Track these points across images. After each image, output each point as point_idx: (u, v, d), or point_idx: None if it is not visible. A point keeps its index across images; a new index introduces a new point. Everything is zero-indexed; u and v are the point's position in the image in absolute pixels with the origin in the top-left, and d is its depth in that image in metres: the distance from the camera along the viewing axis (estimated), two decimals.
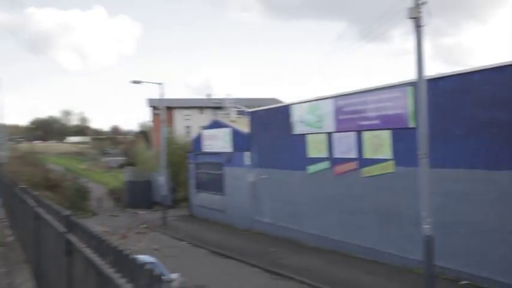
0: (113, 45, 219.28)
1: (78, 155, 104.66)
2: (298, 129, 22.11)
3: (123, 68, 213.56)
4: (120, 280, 2.85)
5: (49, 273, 6.46)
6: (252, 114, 26.56)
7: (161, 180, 32.00)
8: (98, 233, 3.61)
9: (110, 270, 3.10)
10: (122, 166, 73.28)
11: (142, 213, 38.28)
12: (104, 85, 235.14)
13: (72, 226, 4.61)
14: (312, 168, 21.23)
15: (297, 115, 22.18)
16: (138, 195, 43.34)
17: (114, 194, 51.74)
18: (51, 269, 6.19)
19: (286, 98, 78.91)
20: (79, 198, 41.83)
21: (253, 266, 18.36)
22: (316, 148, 21.02)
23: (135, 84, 31.14)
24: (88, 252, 3.75)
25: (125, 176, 49.46)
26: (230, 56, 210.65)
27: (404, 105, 16.54)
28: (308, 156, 21.45)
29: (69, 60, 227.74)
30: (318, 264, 17.71)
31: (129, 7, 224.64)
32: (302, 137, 21.81)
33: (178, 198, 39.32)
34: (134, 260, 2.64)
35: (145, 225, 30.26)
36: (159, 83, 31.41)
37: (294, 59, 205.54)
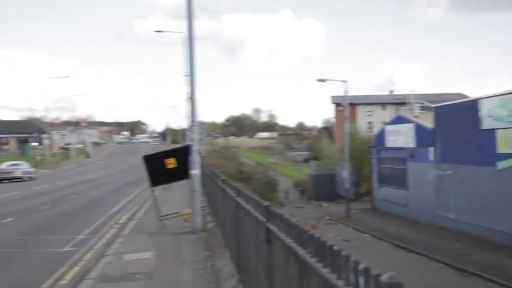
0: (299, 46, 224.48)
1: (267, 150, 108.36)
2: (486, 124, 20.67)
3: (308, 68, 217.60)
4: (323, 270, 2.84)
5: (248, 258, 6.73)
6: (437, 110, 25.41)
7: (344, 174, 31.97)
8: (298, 223, 3.66)
9: (311, 259, 3.12)
10: (306, 160, 74.53)
11: (326, 205, 38.58)
12: (291, 84, 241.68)
13: (271, 216, 4.74)
14: (502, 164, 19.71)
15: (486, 110, 20.73)
16: (322, 188, 43.72)
17: (300, 187, 52.77)
18: (250, 255, 6.44)
19: (472, 93, 74.31)
20: (268, 190, 43.35)
21: (437, 261, 17.54)
22: (507, 143, 19.48)
23: (320, 83, 31.47)
24: (288, 240, 3.81)
25: (309, 169, 50.23)
26: (413, 51, 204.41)
27: None
28: (498, 152, 19.95)
29: (260, 62, 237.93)
30: (508, 263, 16.41)
31: (314, 9, 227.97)
32: (491, 132, 20.34)
33: (360, 192, 39.01)
34: (338, 251, 2.61)
35: (328, 217, 30.46)
36: (343, 81, 31.40)
37: (480, 53, 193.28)
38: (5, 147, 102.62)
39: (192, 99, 14.22)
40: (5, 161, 68.82)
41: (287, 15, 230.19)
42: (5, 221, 19.01)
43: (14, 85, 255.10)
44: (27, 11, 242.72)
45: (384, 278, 2.01)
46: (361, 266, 2.27)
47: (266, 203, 5.01)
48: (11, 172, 47.61)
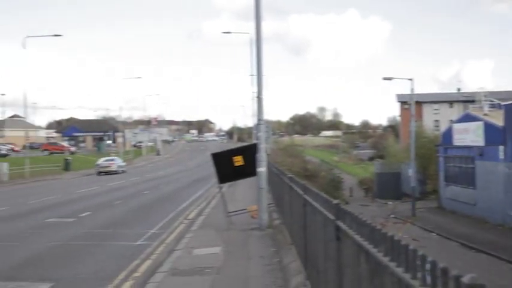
0: (364, 45, 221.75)
1: (331, 148, 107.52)
2: None
3: (373, 66, 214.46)
4: (397, 269, 2.75)
5: (315, 255, 6.66)
6: (507, 107, 24.42)
7: (410, 172, 31.28)
8: (369, 222, 3.57)
9: (384, 258, 3.03)
10: (371, 159, 73.46)
11: (391, 204, 37.85)
12: (356, 83, 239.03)
13: (340, 214, 4.66)
14: None
15: None
16: (387, 187, 42.96)
17: (364, 185, 52.06)
18: (318, 252, 6.38)
19: None
20: (332, 188, 42.92)
21: (509, 262, 16.86)
22: None
23: (386, 81, 30.91)
24: (359, 239, 3.74)
25: (374, 168, 49.45)
26: (481, 48, 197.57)
27: None
28: None
29: (324, 61, 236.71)
30: None
31: (380, 7, 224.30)
32: None
33: (426, 191, 38.04)
34: (414, 250, 2.52)
35: (393, 216, 29.87)
36: (409, 79, 30.71)
37: None
38: (82, 144, 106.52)
39: (259, 98, 14.25)
40: (83, 157, 71.32)
41: (352, 14, 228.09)
42: (83, 215, 19.70)
43: (91, 86, 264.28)
44: (103, 17, 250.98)
45: (465, 279, 1.91)
46: (440, 266, 2.18)
47: (335, 201, 4.94)
48: (108, 166, 54.64)
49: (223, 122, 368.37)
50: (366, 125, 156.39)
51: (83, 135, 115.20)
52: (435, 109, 68.78)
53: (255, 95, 14.84)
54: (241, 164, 15.21)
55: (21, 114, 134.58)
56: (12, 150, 70.68)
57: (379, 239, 3.22)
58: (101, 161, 56.52)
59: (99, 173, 52.71)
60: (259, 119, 14.46)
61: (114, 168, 54.35)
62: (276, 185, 16.07)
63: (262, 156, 14.43)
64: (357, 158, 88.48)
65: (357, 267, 3.89)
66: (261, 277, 9.45)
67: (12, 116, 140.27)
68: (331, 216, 5.03)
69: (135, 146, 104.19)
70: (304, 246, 7.91)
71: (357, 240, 3.76)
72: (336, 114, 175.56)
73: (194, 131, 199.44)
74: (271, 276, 9.42)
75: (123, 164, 58.79)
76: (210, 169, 17.14)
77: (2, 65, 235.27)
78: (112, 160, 57.13)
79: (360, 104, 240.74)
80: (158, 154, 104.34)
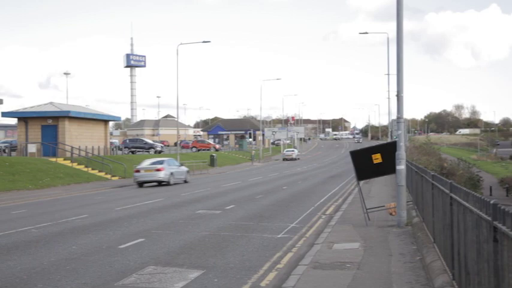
0: (505, 40, 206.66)
1: (469, 146, 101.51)
2: None
3: None
4: None
5: (464, 256, 6.20)
6: None
7: None
8: None
9: None
10: None
11: None
12: (495, 79, 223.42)
13: (498, 214, 4.25)
14: None
15: None
16: None
17: (505, 184, 48.54)
18: (467, 253, 5.92)
19: None
20: (470, 186, 40.46)
21: None
22: None
23: None
24: None
25: None
26: None
27: None
28: None
29: (462, 58, 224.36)
30: None
31: None
32: None
33: None
34: None
35: None
36: None
37: None
38: (225, 142, 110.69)
39: (398, 96, 13.70)
40: (226, 154, 74.06)
41: (494, 10, 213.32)
42: (228, 207, 20.35)
43: (234, 88, 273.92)
44: (243, 24, 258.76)
45: None
46: None
47: (493, 201, 4.52)
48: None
49: (357, 120, 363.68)
50: (506, 122, 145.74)
51: (226, 134, 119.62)
52: None
53: (394, 93, 14.31)
54: (380, 161, 14.78)
55: (173, 114, 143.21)
56: (164, 146, 75.59)
57: None
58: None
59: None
60: (399, 117, 13.92)
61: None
62: (415, 182, 15.41)
63: (401, 154, 13.90)
64: (496, 156, 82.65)
65: None
66: (402, 274, 9.05)
67: (165, 116, 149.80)
68: (487, 217, 4.61)
69: (273, 143, 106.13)
70: (450, 246, 7.42)
71: None
72: (474, 112, 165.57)
73: (328, 130, 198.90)
74: (414, 274, 8.99)
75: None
76: (345, 166, 17.01)
77: (158, 70, 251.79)
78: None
79: (500, 101, 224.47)
80: None
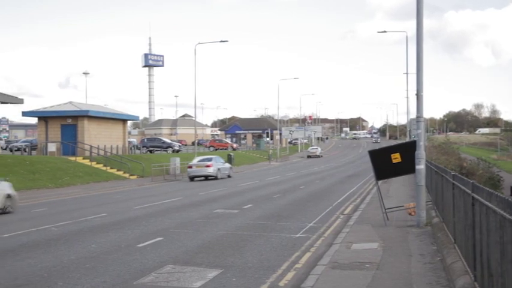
0: None
1: (489, 146, 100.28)
2: None
3: None
4: None
5: (487, 258, 6.10)
6: None
7: None
8: None
9: None
10: None
11: None
12: None
13: None
14: None
15: None
16: None
17: None
18: (491, 254, 5.83)
19: None
20: (491, 186, 39.87)
21: None
22: None
23: None
24: None
25: None
26: None
27: None
28: None
29: (481, 57, 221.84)
30: None
31: None
32: None
33: None
34: None
35: None
36: None
37: None
38: (243, 141, 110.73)
39: (418, 95, 13.54)
40: (243, 153, 74.04)
41: None
42: (246, 207, 20.33)
43: (251, 87, 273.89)
44: (259, 25, 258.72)
45: None
46: None
47: None
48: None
49: (375, 120, 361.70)
50: None
51: (243, 133, 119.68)
52: None
53: (412, 92, 14.18)
54: (399, 161, 14.63)
55: (190, 113, 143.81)
56: (181, 145, 75.91)
57: None
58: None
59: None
60: (419, 116, 13.76)
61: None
62: (435, 182, 15.25)
63: (421, 154, 13.75)
64: None
65: None
66: (423, 275, 8.95)
67: (183, 116, 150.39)
68: (510, 217, 4.52)
69: (290, 142, 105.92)
70: (472, 247, 7.31)
71: None
72: (494, 111, 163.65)
73: (347, 129, 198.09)
74: (434, 275, 8.88)
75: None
76: (362, 166, 16.89)
77: (176, 69, 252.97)
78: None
79: None
80: None
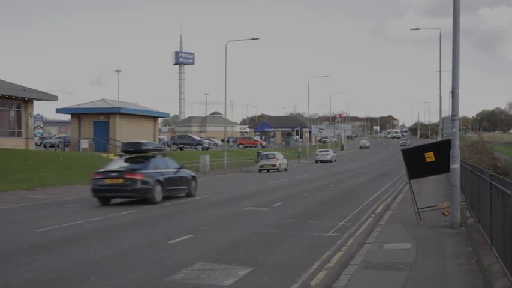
0: None
1: None
2: None
3: None
4: None
5: None
6: None
7: None
8: None
9: None
10: None
11: None
12: None
13: None
14: None
15: None
16: None
17: None
18: None
19: None
20: None
21: None
22: None
23: None
24: None
25: None
26: None
27: None
28: None
29: None
30: None
31: None
32: None
33: None
34: None
35: None
36: None
37: None
38: (272, 139, 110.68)
39: (454, 93, 13.25)
40: (271, 151, 73.98)
41: None
42: (276, 205, 20.25)
43: (281, 85, 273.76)
44: (290, 21, 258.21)
45: None
46: None
47: None
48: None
49: (406, 118, 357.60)
50: None
51: (273, 131, 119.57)
52: None
53: (445, 90, 13.98)
54: (433, 160, 14.34)
55: (220, 111, 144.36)
56: (210, 143, 76.09)
57: None
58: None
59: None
60: (454, 115, 13.47)
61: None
62: (470, 182, 14.92)
63: (456, 153, 13.44)
64: None
65: None
66: (458, 277, 8.73)
67: (213, 113, 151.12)
68: None
69: (320, 141, 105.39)
70: (510, 249, 7.09)
71: None
72: None
73: (376, 127, 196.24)
74: (470, 277, 8.65)
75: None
76: (393, 165, 16.64)
77: (206, 66, 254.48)
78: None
79: None
80: (342, 149, 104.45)
